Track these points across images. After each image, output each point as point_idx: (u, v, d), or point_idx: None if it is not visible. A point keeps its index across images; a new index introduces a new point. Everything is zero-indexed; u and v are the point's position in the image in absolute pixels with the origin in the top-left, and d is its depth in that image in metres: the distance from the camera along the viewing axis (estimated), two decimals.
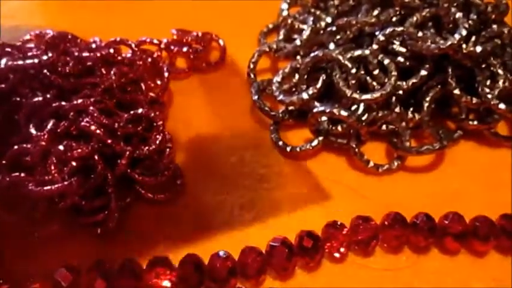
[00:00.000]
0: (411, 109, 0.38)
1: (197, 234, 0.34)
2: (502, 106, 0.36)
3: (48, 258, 0.32)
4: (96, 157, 0.34)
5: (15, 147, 0.34)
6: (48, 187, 0.32)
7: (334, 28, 0.41)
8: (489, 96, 0.37)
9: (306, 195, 0.35)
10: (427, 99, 0.37)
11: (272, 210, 0.35)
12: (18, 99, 0.36)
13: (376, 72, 0.37)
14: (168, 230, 0.34)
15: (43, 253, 0.33)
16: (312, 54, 0.38)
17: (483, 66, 0.38)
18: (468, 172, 0.36)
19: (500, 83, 0.37)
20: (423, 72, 0.37)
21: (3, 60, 0.36)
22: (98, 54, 0.38)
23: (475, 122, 0.38)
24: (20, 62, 0.36)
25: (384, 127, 0.38)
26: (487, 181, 0.36)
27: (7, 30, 0.45)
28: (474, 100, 0.37)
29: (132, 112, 0.36)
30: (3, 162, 0.34)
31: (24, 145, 0.34)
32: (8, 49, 0.37)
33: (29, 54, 0.37)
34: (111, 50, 0.39)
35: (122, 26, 0.45)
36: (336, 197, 0.35)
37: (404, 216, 0.32)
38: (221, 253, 0.31)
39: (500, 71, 0.37)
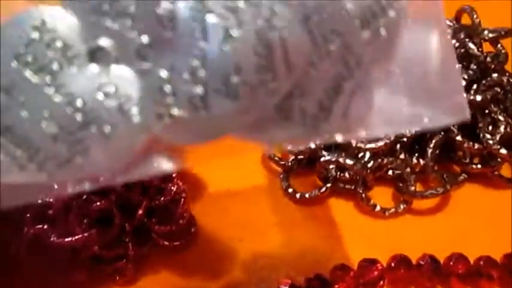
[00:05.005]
0: (416, 155, 0.39)
1: (212, 280, 0.35)
2: (503, 151, 0.38)
3: None
4: (114, 209, 0.36)
5: (39, 201, 0.36)
6: (69, 238, 0.34)
7: None
8: (490, 142, 0.38)
9: (316, 240, 0.36)
10: (431, 145, 0.39)
11: (284, 255, 0.36)
12: None
13: None
14: (184, 277, 0.35)
15: None
16: None
17: (485, 112, 0.39)
18: (473, 214, 0.37)
19: (502, 128, 0.38)
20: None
21: None
22: None
23: (479, 166, 0.39)
24: None
25: (389, 172, 0.39)
26: (491, 222, 0.37)
27: None
28: (476, 146, 0.38)
29: None
30: (28, 215, 0.36)
31: (47, 199, 0.36)
32: None
33: None
34: None
35: None
36: (344, 241, 0.36)
37: (410, 258, 0.33)
38: None
39: (501, 117, 0.39)
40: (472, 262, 0.33)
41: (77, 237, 0.34)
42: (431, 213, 0.38)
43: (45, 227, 0.35)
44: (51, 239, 0.34)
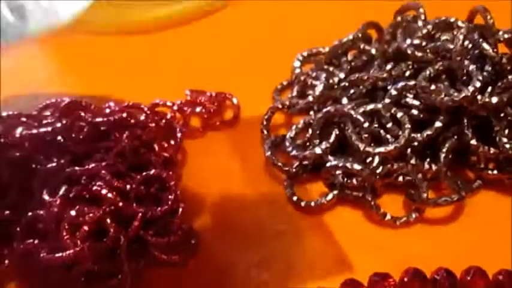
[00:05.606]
0: (428, 160, 0.37)
1: None
2: None
3: None
4: (108, 220, 0.34)
5: (29, 214, 0.34)
6: (60, 254, 0.32)
7: (346, 83, 0.41)
8: (507, 146, 0.36)
9: (322, 252, 0.35)
10: (444, 150, 0.37)
11: (288, 268, 0.34)
12: (33, 166, 0.36)
13: (389, 125, 0.37)
14: None
15: None
16: (324, 110, 0.38)
17: (500, 115, 0.37)
18: (489, 223, 0.35)
19: None
20: (438, 124, 0.37)
21: (19, 130, 0.37)
22: (112, 119, 0.38)
23: (495, 172, 0.37)
24: (35, 131, 0.36)
25: (400, 179, 0.37)
26: (508, 232, 0.35)
27: (25, 99, 0.46)
28: (492, 150, 0.36)
29: (144, 173, 0.36)
30: (18, 229, 0.34)
31: (38, 212, 0.34)
32: (24, 119, 0.38)
33: (44, 122, 0.38)
34: (125, 114, 0.39)
35: (137, 88, 0.46)
36: (353, 252, 0.34)
37: (424, 272, 0.31)
38: None
39: None
40: (490, 277, 0.31)
41: (68, 252, 0.32)
42: (445, 222, 0.36)
43: (36, 242, 0.33)
44: (42, 254, 0.32)
